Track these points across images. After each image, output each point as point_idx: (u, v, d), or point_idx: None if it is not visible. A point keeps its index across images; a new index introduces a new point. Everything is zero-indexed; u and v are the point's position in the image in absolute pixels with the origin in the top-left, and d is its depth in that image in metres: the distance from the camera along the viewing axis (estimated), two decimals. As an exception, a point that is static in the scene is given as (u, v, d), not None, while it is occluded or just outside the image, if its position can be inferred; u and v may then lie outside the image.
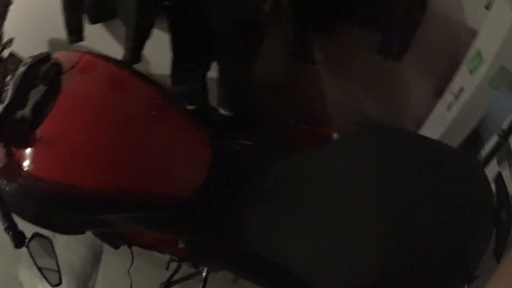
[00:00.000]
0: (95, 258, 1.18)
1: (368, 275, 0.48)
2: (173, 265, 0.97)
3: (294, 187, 0.63)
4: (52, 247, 0.60)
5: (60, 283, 0.62)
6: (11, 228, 0.52)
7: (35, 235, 0.57)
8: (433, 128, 0.98)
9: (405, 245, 0.48)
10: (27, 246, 0.54)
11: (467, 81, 0.85)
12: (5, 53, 0.83)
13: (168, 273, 0.98)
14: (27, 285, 1.25)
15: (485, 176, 0.56)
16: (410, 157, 0.54)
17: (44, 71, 0.63)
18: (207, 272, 0.94)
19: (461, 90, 0.86)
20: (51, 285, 0.62)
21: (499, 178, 0.67)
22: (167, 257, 0.93)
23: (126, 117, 0.63)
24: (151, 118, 0.65)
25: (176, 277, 0.99)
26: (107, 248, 1.20)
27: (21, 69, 0.63)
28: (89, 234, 0.83)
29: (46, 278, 0.60)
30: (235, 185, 0.67)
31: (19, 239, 0.52)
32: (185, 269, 0.98)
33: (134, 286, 0.99)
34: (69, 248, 1.23)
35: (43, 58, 0.66)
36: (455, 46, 0.92)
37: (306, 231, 0.56)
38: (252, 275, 0.79)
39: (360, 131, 0.61)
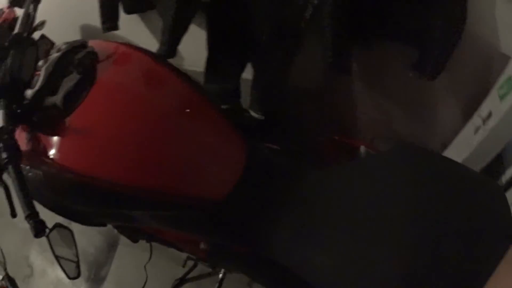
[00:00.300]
0: (111, 248, 1.17)
1: None
2: (190, 263, 0.97)
3: (324, 200, 0.62)
4: (73, 239, 0.58)
5: (78, 276, 0.61)
6: (32, 217, 0.49)
7: (57, 226, 0.55)
8: (459, 149, 0.98)
9: (427, 268, 0.48)
10: (47, 236, 0.52)
11: (496, 106, 0.84)
12: (37, 35, 0.82)
13: (183, 271, 0.98)
14: (37, 267, 1.26)
15: (507, 202, 0.57)
16: (438, 181, 0.55)
17: (78, 59, 0.62)
18: (224, 274, 0.94)
19: (489, 115, 0.86)
20: (68, 277, 0.60)
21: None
22: (184, 254, 0.93)
23: (161, 113, 0.61)
24: (186, 116, 0.64)
25: (191, 275, 0.99)
26: (123, 239, 1.20)
27: (55, 54, 0.62)
28: None
29: (64, 270, 0.59)
30: (266, 192, 0.65)
31: (39, 228, 0.49)
32: (201, 268, 0.98)
33: (148, 279, 0.99)
34: (85, 235, 1.23)
35: (78, 46, 0.65)
36: (488, 70, 0.92)
37: (332, 245, 0.56)
38: (269, 282, 0.78)
39: (392, 150, 0.60)
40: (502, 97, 0.83)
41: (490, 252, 0.49)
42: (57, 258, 0.57)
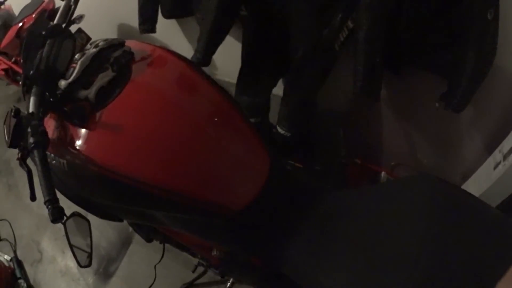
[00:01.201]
0: (123, 245, 1.18)
1: None
2: (200, 269, 0.97)
3: (341, 221, 0.62)
4: (90, 230, 0.59)
5: (89, 265, 0.61)
6: (52, 202, 0.49)
7: (75, 214, 0.56)
8: (478, 183, 0.97)
9: None
10: (64, 223, 0.52)
11: None
12: (74, 28, 0.84)
13: (192, 276, 0.98)
14: (47, 254, 1.27)
15: None
16: (455, 212, 0.54)
17: (115, 57, 0.63)
18: (232, 283, 0.94)
19: (510, 151, 0.85)
20: (80, 265, 0.60)
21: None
22: (195, 260, 0.93)
23: (190, 118, 0.62)
24: (215, 124, 0.64)
25: (199, 281, 0.99)
26: (137, 238, 1.21)
27: (92, 50, 0.64)
28: None
29: (76, 258, 0.59)
30: (284, 207, 0.66)
31: (57, 215, 0.49)
32: (210, 275, 0.98)
33: (156, 280, 0.99)
34: (98, 229, 1.24)
35: (116, 44, 0.66)
36: None
37: (345, 268, 0.56)
38: None
39: (413, 178, 0.60)
40: None
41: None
42: (70, 245, 0.57)
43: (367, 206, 0.61)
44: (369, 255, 0.55)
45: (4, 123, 0.58)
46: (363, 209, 0.61)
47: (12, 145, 0.56)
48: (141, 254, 1.11)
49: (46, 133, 0.54)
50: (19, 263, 1.21)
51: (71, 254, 0.59)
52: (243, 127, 0.67)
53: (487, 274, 0.49)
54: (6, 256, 1.22)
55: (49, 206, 0.49)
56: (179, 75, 0.67)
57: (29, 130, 0.53)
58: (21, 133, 0.54)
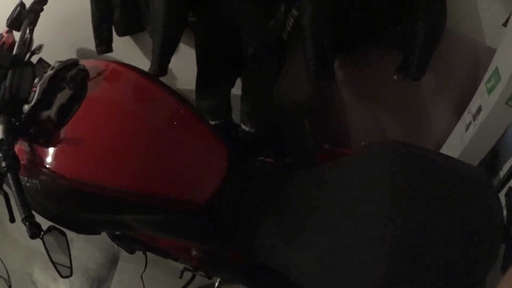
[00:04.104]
0: (111, 264, 1.20)
1: None
2: (187, 275, 0.98)
3: (307, 201, 0.64)
4: (67, 243, 0.61)
5: (70, 275, 0.63)
6: (28, 219, 0.52)
7: (52, 228, 0.58)
8: (452, 148, 0.96)
9: (409, 264, 0.48)
10: (41, 238, 0.54)
11: (485, 100, 0.83)
12: (34, 59, 0.87)
13: (181, 283, 0.99)
14: (40, 285, 1.28)
15: (495, 191, 0.57)
16: (418, 173, 0.54)
17: (71, 76, 0.67)
18: (219, 283, 0.94)
19: (479, 110, 0.85)
20: (61, 276, 0.63)
21: (510, 193, 0.67)
22: (181, 266, 0.94)
23: (148, 124, 0.66)
24: (172, 127, 0.68)
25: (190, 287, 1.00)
26: (123, 255, 1.22)
27: (49, 72, 0.67)
28: (106, 240, 0.85)
29: (57, 270, 0.61)
30: (250, 197, 0.68)
31: (35, 230, 0.52)
32: (199, 279, 0.98)
33: (146, 291, 1.00)
34: (85, 252, 1.26)
35: (70, 64, 0.70)
36: (474, 65, 0.91)
37: (315, 247, 0.57)
38: None
39: (373, 146, 0.61)
40: (490, 90, 0.82)
41: (480, 245, 0.49)
42: (51, 259, 0.59)
43: (332, 182, 0.63)
44: (338, 232, 0.56)
45: None
46: (328, 185, 0.63)
47: None
48: (130, 270, 1.13)
49: (16, 156, 0.57)
50: (16, 298, 1.21)
51: (63, 281, 0.60)
52: (199, 127, 0.71)
53: (463, 237, 0.49)
54: (2, 293, 1.23)
55: (26, 223, 0.52)
56: (133, 85, 0.72)
57: (0, 155, 0.56)
58: None
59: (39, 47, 0.78)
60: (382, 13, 0.87)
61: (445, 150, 1.02)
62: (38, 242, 0.54)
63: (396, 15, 0.87)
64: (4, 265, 1.27)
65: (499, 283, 0.41)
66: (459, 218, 0.50)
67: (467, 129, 0.90)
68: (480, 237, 0.50)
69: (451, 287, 0.49)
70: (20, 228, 0.52)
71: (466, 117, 0.92)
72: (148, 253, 0.90)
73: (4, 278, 1.27)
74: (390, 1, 0.85)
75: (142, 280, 0.98)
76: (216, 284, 0.94)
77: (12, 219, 0.60)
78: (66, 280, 1.21)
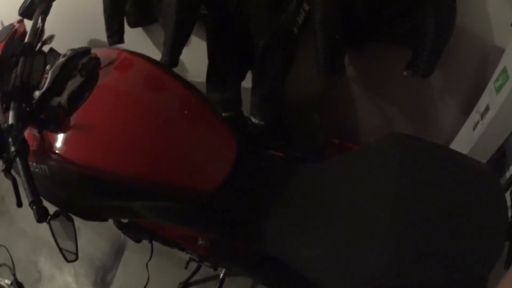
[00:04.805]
0: (117, 254, 1.20)
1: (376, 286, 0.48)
2: (192, 266, 0.98)
3: (315, 193, 0.64)
4: (74, 228, 0.61)
5: (76, 259, 0.63)
6: (36, 203, 0.52)
7: (59, 213, 0.58)
8: (460, 147, 0.96)
9: (415, 257, 0.48)
10: (48, 222, 0.54)
11: (493, 99, 0.83)
12: (45, 49, 0.88)
13: (187, 273, 0.99)
14: (45, 273, 1.29)
15: (502, 189, 0.57)
16: (425, 167, 0.54)
17: (82, 64, 0.68)
18: (224, 274, 0.94)
19: (487, 109, 0.85)
20: (67, 261, 0.62)
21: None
22: (187, 257, 0.94)
23: (158, 112, 0.66)
24: (183, 116, 0.68)
25: (194, 279, 1.00)
26: (129, 245, 1.23)
27: (61, 59, 0.68)
28: (112, 230, 0.85)
29: (63, 255, 0.61)
30: (258, 187, 0.69)
31: (42, 214, 0.52)
32: (204, 271, 0.99)
33: (152, 283, 1.01)
34: (91, 241, 1.26)
35: (82, 52, 0.71)
36: (483, 64, 0.91)
37: (322, 236, 0.57)
38: (269, 281, 0.79)
39: (384, 140, 0.60)
40: (498, 90, 0.82)
41: (485, 241, 0.49)
42: (57, 243, 0.59)
43: (340, 174, 0.63)
44: (345, 224, 0.56)
45: None
46: (336, 178, 0.63)
47: None
48: (135, 260, 1.13)
49: (26, 141, 0.58)
50: (20, 286, 1.22)
51: (68, 269, 0.59)
52: (209, 117, 0.72)
53: (468, 233, 0.49)
54: (6, 281, 1.24)
55: (34, 207, 0.52)
56: (145, 74, 0.72)
57: (10, 140, 0.56)
58: (2, 145, 0.58)
59: (50, 37, 0.78)
60: (392, 9, 0.88)
61: (453, 147, 1.02)
62: (44, 231, 0.52)
63: (405, 11, 0.87)
64: (10, 254, 1.28)
65: (502, 278, 0.42)
66: (465, 214, 0.51)
67: (474, 128, 0.90)
68: (485, 233, 0.50)
69: (454, 281, 0.49)
70: (26, 217, 0.51)
71: (474, 116, 0.92)
72: (154, 244, 0.90)
73: (9, 267, 1.27)
74: None
75: (147, 269, 0.98)
76: (221, 275, 0.94)
77: (20, 204, 0.60)
78: (71, 268, 1.22)
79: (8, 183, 0.58)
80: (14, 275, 1.24)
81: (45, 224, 0.53)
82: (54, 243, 0.57)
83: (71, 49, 0.71)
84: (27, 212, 0.52)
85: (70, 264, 0.63)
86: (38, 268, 1.29)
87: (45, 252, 1.31)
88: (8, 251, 1.30)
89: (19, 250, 1.32)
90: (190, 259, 0.93)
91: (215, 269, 0.93)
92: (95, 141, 0.63)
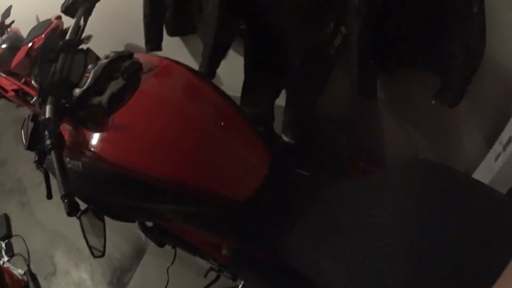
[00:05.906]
0: (136, 256, 1.21)
1: None
2: (211, 275, 0.99)
3: (337, 210, 0.66)
4: (104, 227, 0.62)
5: (102, 256, 0.64)
6: (68, 196, 0.53)
7: (90, 209, 0.59)
8: (481, 176, 0.97)
9: (430, 279, 0.49)
10: (78, 217, 0.55)
11: None
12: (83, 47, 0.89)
13: (205, 282, 1.00)
14: (61, 267, 1.30)
15: None
16: (445, 192, 0.56)
17: (125, 67, 0.70)
18: (243, 286, 0.95)
19: (509, 141, 0.86)
20: (93, 256, 0.64)
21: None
22: (207, 266, 0.96)
23: (196, 120, 0.68)
24: (219, 126, 0.70)
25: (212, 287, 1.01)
26: (149, 249, 1.24)
27: (104, 60, 0.70)
28: (134, 232, 0.86)
29: (90, 250, 0.62)
30: (285, 200, 0.70)
31: (73, 208, 0.53)
32: (223, 282, 0.99)
33: (170, 285, 1.01)
34: (112, 241, 1.27)
35: (125, 55, 0.73)
36: (509, 95, 0.92)
37: (341, 249, 0.59)
38: None
39: (406, 162, 0.62)
40: None
41: (493, 263, 0.50)
42: (85, 238, 0.60)
43: (363, 195, 0.65)
44: (362, 241, 0.58)
45: (22, 128, 0.63)
46: (358, 196, 0.65)
47: (29, 147, 0.61)
48: (154, 264, 1.13)
49: (62, 135, 0.59)
50: (33, 277, 1.23)
51: (85, 266, 0.61)
52: (245, 129, 0.74)
53: (481, 254, 0.50)
54: (19, 270, 1.25)
55: (65, 200, 0.53)
56: (185, 82, 0.74)
57: (46, 133, 0.58)
58: (38, 136, 0.60)
59: (88, 37, 0.80)
60: (420, 36, 0.89)
61: (474, 177, 1.03)
62: (63, 226, 0.53)
63: (434, 38, 0.89)
64: (26, 244, 1.29)
65: (500, 277, 0.42)
66: (482, 241, 0.52)
67: (496, 159, 0.92)
68: (501, 261, 0.51)
69: None
70: (47, 211, 0.52)
71: (497, 147, 0.93)
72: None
73: (23, 257, 1.28)
74: (430, 26, 0.87)
75: (168, 274, 0.99)
76: (240, 286, 0.95)
77: (50, 196, 0.61)
78: (88, 266, 1.23)
79: (31, 175, 0.60)
80: (28, 265, 1.25)
81: (64, 220, 0.55)
82: (72, 239, 0.58)
83: (114, 52, 0.73)
84: (48, 206, 0.53)
85: (87, 261, 0.65)
86: (53, 261, 1.29)
87: (62, 247, 1.32)
88: (24, 241, 1.31)
89: (36, 242, 1.33)
90: (211, 268, 0.94)
91: (234, 280, 0.95)
92: (131, 142, 0.65)
